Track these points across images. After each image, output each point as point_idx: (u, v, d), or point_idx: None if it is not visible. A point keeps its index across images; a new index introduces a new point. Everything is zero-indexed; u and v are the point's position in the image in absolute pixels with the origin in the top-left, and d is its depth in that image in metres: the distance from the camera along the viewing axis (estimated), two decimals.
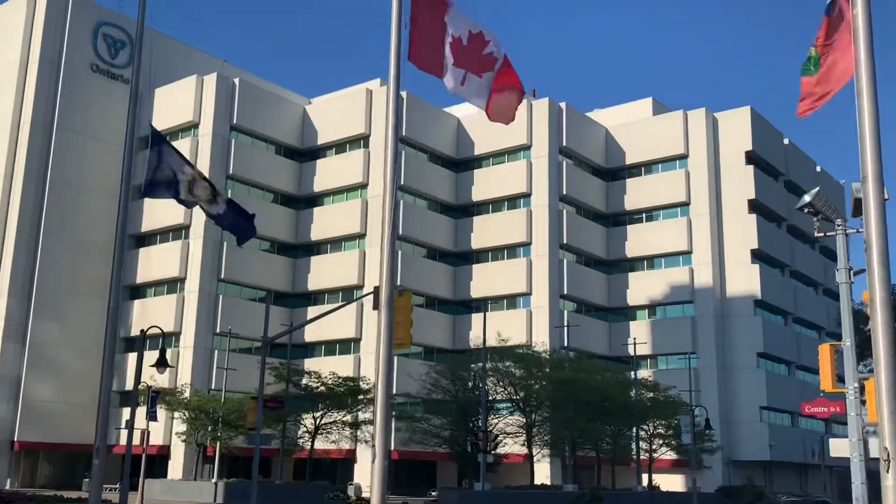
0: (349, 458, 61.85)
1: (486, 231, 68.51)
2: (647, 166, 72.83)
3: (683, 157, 71.15)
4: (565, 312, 66.24)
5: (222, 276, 64.38)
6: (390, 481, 62.48)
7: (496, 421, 42.87)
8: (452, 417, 45.76)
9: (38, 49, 64.26)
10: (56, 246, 62.26)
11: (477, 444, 35.13)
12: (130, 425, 25.68)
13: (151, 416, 43.59)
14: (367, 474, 60.97)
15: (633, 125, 74.13)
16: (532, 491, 40.91)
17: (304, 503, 38.65)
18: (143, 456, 44.80)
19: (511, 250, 67.72)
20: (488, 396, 39.70)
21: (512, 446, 49.20)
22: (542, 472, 56.00)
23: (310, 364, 60.21)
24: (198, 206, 16.57)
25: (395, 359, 64.45)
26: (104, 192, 66.26)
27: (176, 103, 66.52)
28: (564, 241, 67.78)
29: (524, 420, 43.29)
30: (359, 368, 61.85)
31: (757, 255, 69.52)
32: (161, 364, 26.49)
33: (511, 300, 66.53)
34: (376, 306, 15.34)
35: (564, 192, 68.53)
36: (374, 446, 12.06)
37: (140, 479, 43.05)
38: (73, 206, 63.69)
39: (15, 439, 59.33)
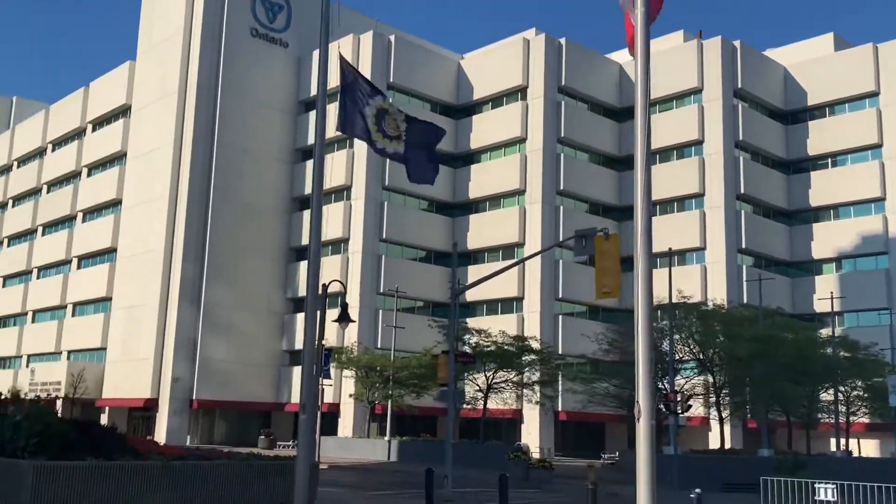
0: (514, 419, 60.56)
1: (655, 183, 64.57)
2: (832, 107, 66.68)
3: (874, 94, 64.58)
4: (744, 267, 61.91)
5: (384, 237, 64.08)
6: (557, 443, 61.14)
7: (682, 382, 39.98)
8: (629, 378, 43.14)
9: (200, 15, 65.39)
10: (225, 210, 63.58)
11: (667, 405, 32.57)
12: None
13: (325, 374, 43.58)
14: (533, 435, 59.54)
15: (813, 63, 67.99)
16: (726, 455, 37.89)
17: (485, 462, 37.38)
18: (318, 414, 44.91)
19: (682, 202, 63.79)
20: (675, 355, 36.83)
21: (691, 409, 46.26)
22: (715, 436, 52.74)
23: (472, 324, 59.00)
24: (382, 148, 14.97)
25: (561, 318, 62.46)
26: (268, 155, 67.19)
27: (335, 64, 66.13)
28: (741, 191, 63.16)
29: (710, 380, 40.16)
30: (522, 328, 60.10)
31: None
32: (343, 319, 25.56)
33: (682, 255, 62.78)
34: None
35: (740, 138, 63.71)
36: (637, 403, 10.35)
37: (315, 437, 43.09)
38: (240, 170, 64.79)
39: (193, 398, 61.39)
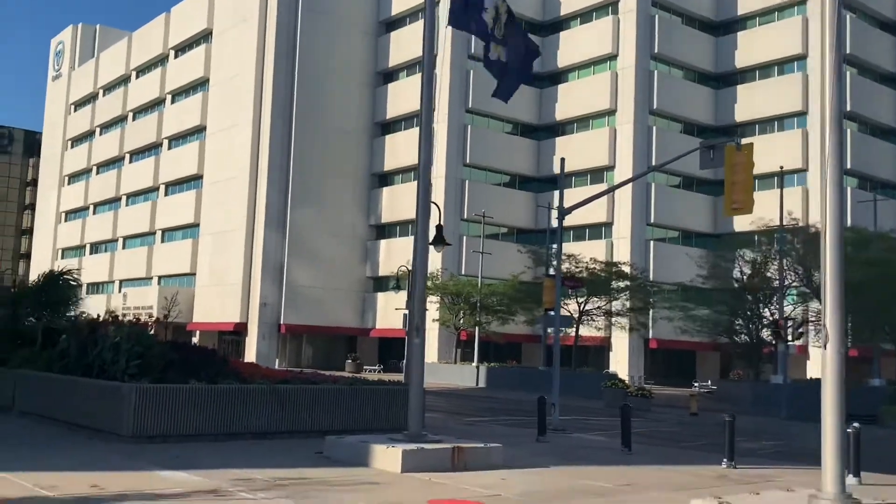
0: (602, 346, 59.32)
1: (754, 101, 61.25)
2: None
3: None
4: (849, 189, 58.49)
5: (467, 161, 62.63)
6: (646, 371, 59.76)
7: (788, 309, 37.89)
8: (728, 305, 41.33)
9: None
10: (307, 134, 62.92)
11: (777, 333, 30.78)
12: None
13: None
14: (622, 363, 58.21)
15: None
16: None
17: (579, 390, 36.44)
18: (406, 339, 44.57)
19: (782, 121, 60.36)
20: (784, 281, 34.70)
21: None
22: (814, 365, 50.58)
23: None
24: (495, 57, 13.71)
25: (652, 244, 60.38)
26: (350, 78, 65.98)
27: None
28: (848, 109, 59.26)
29: (816, 307, 37.85)
30: (611, 254, 58.30)
31: None
32: (438, 242, 24.48)
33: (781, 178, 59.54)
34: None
35: (848, 51, 59.54)
36: (824, 328, 9.29)
37: (405, 361, 42.85)
38: (321, 93, 63.82)
39: (281, 322, 61.92)
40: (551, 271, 48.16)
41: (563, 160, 23.31)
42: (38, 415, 15.71)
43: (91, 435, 13.52)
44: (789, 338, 30.96)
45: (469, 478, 10.70)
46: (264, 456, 12.17)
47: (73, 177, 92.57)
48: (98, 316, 17.41)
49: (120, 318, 16.51)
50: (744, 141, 21.38)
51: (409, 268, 50.75)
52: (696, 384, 58.01)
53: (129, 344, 14.11)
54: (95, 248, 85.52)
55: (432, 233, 25.22)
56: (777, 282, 39.60)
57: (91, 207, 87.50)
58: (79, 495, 8.70)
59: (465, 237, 61.07)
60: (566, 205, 21.66)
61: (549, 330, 27.02)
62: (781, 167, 39.09)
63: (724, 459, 13.17)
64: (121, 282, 78.41)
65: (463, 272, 58.41)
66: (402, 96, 65.53)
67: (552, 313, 20.45)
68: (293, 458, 12.03)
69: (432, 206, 30.79)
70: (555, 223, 56.75)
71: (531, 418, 25.65)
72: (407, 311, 45.65)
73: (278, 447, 13.13)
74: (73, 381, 14.72)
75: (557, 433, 17.70)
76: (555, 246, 53.42)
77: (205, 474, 10.24)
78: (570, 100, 64.02)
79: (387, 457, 11.12)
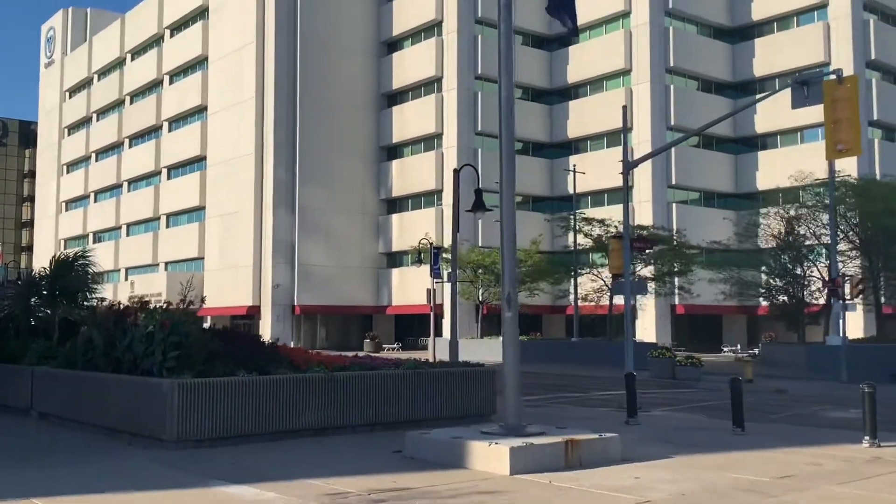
0: (618, 314, 57.45)
1: (767, 56, 59.00)
2: None
3: None
4: (876, 141, 56.50)
5: (479, 130, 60.57)
6: (673, 336, 57.98)
7: (829, 267, 35.94)
8: (770, 265, 39.46)
9: None
10: (313, 108, 60.77)
11: (834, 292, 28.92)
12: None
13: (435, 272, 41.15)
14: (649, 329, 56.29)
15: None
16: (890, 345, 34.20)
17: (620, 361, 34.60)
18: (431, 315, 42.84)
19: (805, 74, 58.09)
20: (828, 237, 32.64)
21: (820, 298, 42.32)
22: (855, 325, 48.75)
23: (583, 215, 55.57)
24: None
25: (674, 206, 58.37)
26: (354, 49, 63.74)
27: None
28: (866, 56, 57.05)
29: (867, 264, 36.03)
30: (633, 218, 56.15)
31: None
32: (478, 207, 22.73)
33: (804, 132, 57.54)
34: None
35: None
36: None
37: (430, 339, 41.21)
38: (325, 65, 61.62)
39: (295, 303, 60.14)
40: (581, 238, 46.55)
41: (625, 108, 21.13)
42: (60, 417, 13.90)
43: (128, 440, 11.70)
44: (848, 296, 29.15)
45: (595, 478, 8.88)
46: (336, 459, 10.34)
47: (72, 165, 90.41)
48: (118, 304, 15.39)
49: (147, 302, 14.47)
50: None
51: (432, 239, 49.07)
52: (725, 348, 56.46)
53: (163, 333, 12.24)
54: (98, 237, 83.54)
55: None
56: (812, 239, 37.82)
57: (92, 195, 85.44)
58: None
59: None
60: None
61: (617, 299, 24.76)
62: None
63: (866, 437, 11.32)
64: (126, 270, 76.55)
65: (480, 243, 56.50)
66: (408, 65, 63.34)
67: (621, 279, 18.50)
68: (371, 460, 10.20)
69: (471, 170, 28.96)
70: (576, 188, 55.07)
71: (586, 394, 24.00)
72: (429, 288, 44.03)
73: (345, 446, 11.30)
74: (101, 379, 12.87)
75: (639, 413, 15.83)
76: (580, 211, 51.88)
77: (280, 488, 8.41)
78: (583, 61, 61.81)
79: (490, 456, 9.26)
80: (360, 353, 23.32)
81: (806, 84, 15.41)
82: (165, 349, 12.06)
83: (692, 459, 10.31)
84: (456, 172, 27.33)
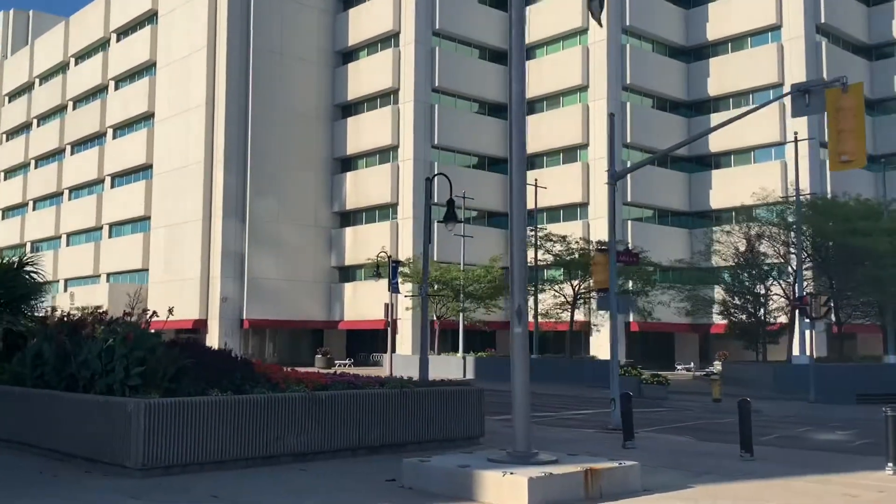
0: (577, 332, 57.10)
1: (722, 76, 59.45)
2: None
3: None
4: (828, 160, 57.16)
5: (435, 143, 59.80)
6: (627, 354, 57.74)
7: (794, 285, 35.89)
8: (726, 285, 39.38)
9: None
10: (265, 117, 59.29)
11: (803, 311, 28.69)
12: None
13: (394, 287, 40.19)
14: (604, 347, 55.94)
15: None
16: (860, 364, 34.21)
17: (580, 379, 34.06)
18: (389, 330, 41.76)
19: (757, 94, 58.76)
20: (802, 254, 32.47)
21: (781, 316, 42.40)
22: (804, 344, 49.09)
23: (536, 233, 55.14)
24: None
25: (630, 224, 58.26)
26: (308, 59, 62.48)
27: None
28: (819, 78, 57.95)
29: (827, 283, 36.02)
30: (588, 234, 56.09)
31: None
32: (450, 219, 21.82)
33: (757, 151, 58.13)
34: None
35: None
36: None
37: (388, 354, 40.09)
38: (278, 74, 60.20)
39: (244, 317, 58.40)
40: (541, 253, 45.88)
41: (612, 115, 20.47)
42: (6, 440, 12.54)
43: (86, 468, 10.44)
44: (814, 314, 28.93)
45: None
46: (324, 489, 9.28)
47: (10, 172, 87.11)
48: (69, 314, 14.04)
49: (104, 313, 13.17)
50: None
51: (388, 253, 48.03)
52: (678, 365, 56.42)
53: (126, 347, 11.04)
54: (36, 246, 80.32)
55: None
56: (775, 257, 37.76)
57: (30, 203, 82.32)
58: None
59: (436, 222, 58.12)
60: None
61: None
62: (796, 134, 36.87)
63: (889, 464, 10.66)
64: (66, 281, 73.71)
65: (436, 258, 55.58)
66: (364, 76, 62.32)
67: (604, 294, 17.76)
68: (365, 491, 9.17)
69: (428, 183, 28.01)
70: (536, 204, 54.56)
71: (558, 414, 23.19)
72: (387, 302, 42.95)
73: (331, 473, 10.24)
74: (55, 397, 11.58)
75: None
76: (540, 227, 51.34)
77: None
78: (541, 77, 61.51)
79: (504, 487, 8.32)
80: (313, 370, 22.22)
81: (807, 92, 14.91)
82: (128, 365, 10.88)
83: (714, 490, 9.51)
84: (428, 181, 26.48)
